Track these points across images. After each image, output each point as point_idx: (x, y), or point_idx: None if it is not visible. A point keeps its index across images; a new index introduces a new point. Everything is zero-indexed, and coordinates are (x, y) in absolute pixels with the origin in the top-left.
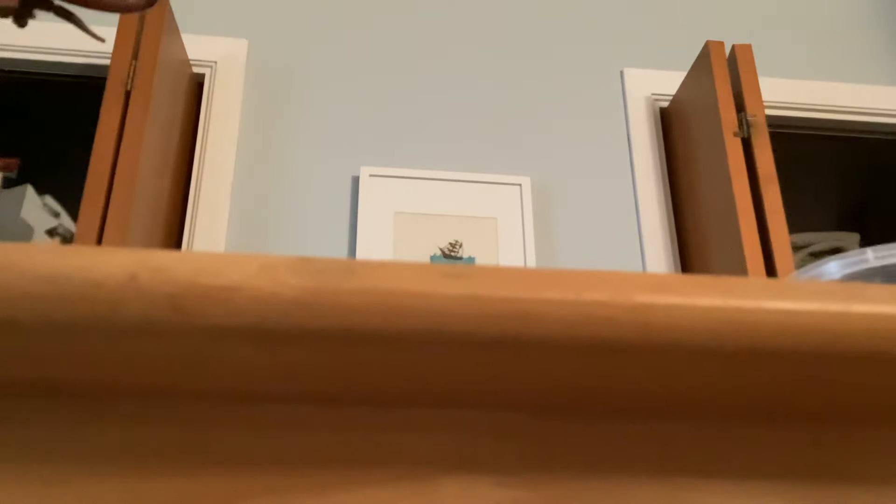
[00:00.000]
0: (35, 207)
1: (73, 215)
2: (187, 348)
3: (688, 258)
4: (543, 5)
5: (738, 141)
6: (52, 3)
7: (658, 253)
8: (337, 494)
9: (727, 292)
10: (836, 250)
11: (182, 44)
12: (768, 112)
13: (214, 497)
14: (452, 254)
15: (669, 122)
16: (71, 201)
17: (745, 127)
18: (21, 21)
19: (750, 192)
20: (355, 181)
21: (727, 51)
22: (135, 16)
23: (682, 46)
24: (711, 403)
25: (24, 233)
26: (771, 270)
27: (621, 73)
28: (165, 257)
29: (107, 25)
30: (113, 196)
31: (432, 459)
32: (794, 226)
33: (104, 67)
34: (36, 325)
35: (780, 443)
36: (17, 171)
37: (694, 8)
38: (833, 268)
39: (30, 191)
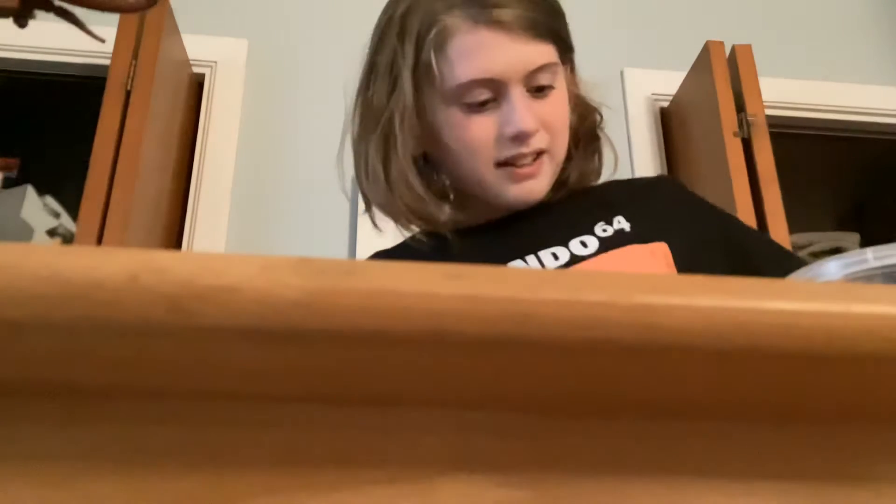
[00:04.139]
0: (35, 207)
1: (73, 215)
2: (187, 348)
3: None
4: None
5: (738, 141)
6: (52, 3)
7: None
8: (337, 494)
9: (727, 292)
10: (836, 250)
11: (182, 44)
12: (768, 112)
13: (214, 497)
14: None
15: (669, 122)
16: (71, 201)
17: (745, 127)
18: (21, 21)
19: (750, 192)
20: (355, 181)
21: (727, 51)
22: (135, 16)
23: (682, 46)
24: (711, 403)
25: (24, 233)
26: None
27: (621, 73)
28: (165, 257)
29: (107, 25)
30: (113, 196)
31: (432, 459)
32: (794, 226)
33: (104, 67)
34: (36, 325)
35: (780, 443)
36: (17, 171)
37: (694, 8)
38: (833, 268)
39: (30, 191)
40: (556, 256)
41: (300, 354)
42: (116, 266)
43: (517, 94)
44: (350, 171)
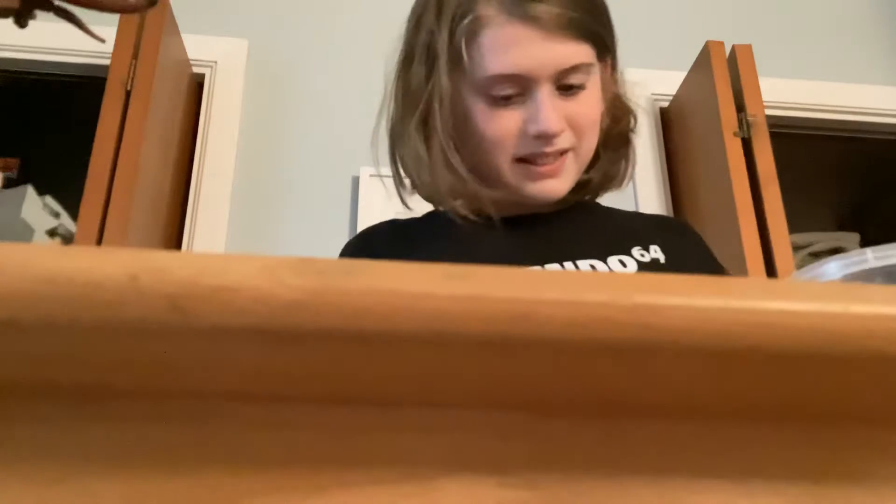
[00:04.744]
0: (35, 207)
1: (73, 215)
2: (187, 348)
3: None
4: None
5: (738, 141)
6: (52, 3)
7: None
8: (337, 494)
9: (727, 292)
10: (836, 250)
11: (182, 44)
12: (768, 112)
13: (214, 497)
14: None
15: (669, 122)
16: (71, 201)
17: (745, 127)
18: (21, 21)
19: (750, 192)
20: (355, 181)
21: (727, 51)
22: (135, 16)
23: (682, 46)
24: (711, 403)
25: (24, 233)
26: (771, 270)
27: (621, 72)
28: (165, 257)
29: (107, 25)
30: (113, 196)
31: (433, 459)
32: (794, 226)
33: (104, 67)
34: (36, 326)
35: (780, 443)
36: (17, 171)
37: (694, 8)
38: (833, 268)
39: (30, 191)
40: (594, 269)
41: (300, 354)
42: (116, 266)
43: (545, 93)
44: (351, 171)
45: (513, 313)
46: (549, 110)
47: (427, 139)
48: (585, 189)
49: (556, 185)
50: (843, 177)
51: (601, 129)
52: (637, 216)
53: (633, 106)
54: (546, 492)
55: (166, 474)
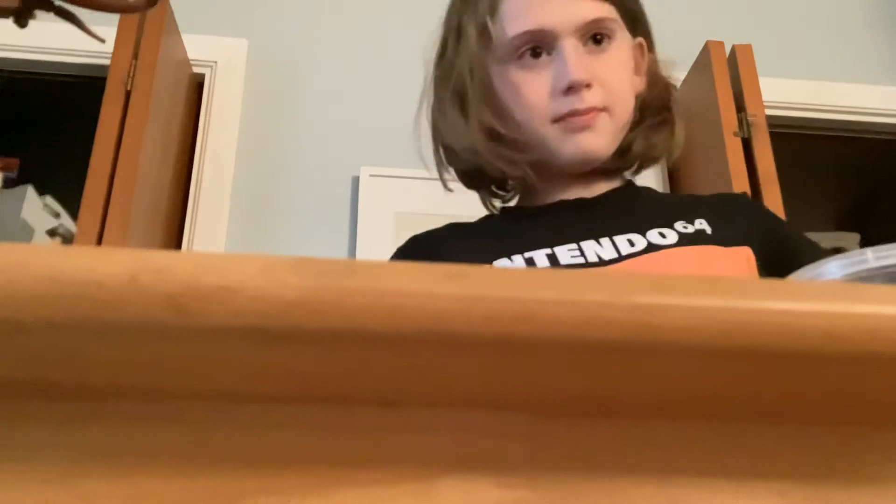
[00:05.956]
0: (35, 207)
1: (73, 215)
2: (187, 348)
3: None
4: None
5: (738, 141)
6: (52, 3)
7: None
8: (337, 494)
9: (727, 292)
10: (836, 250)
11: (182, 44)
12: (768, 112)
13: (214, 497)
14: None
15: None
16: (71, 201)
17: (745, 127)
18: (21, 21)
19: (750, 192)
20: (355, 181)
21: (727, 51)
22: (135, 16)
23: (682, 46)
24: (711, 403)
25: (24, 233)
26: None
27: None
28: (166, 257)
29: (107, 25)
30: (113, 196)
31: (433, 459)
32: (794, 226)
33: (104, 67)
34: (36, 326)
35: (780, 443)
36: (17, 171)
37: (694, 8)
38: (833, 268)
39: (30, 191)
40: (631, 243)
41: (300, 354)
42: (116, 266)
43: (569, 46)
44: (351, 171)
45: (513, 313)
46: (575, 60)
47: (462, 109)
48: (628, 157)
49: (594, 139)
50: (843, 177)
51: (638, 97)
52: (690, 196)
53: (670, 80)
54: (546, 492)
55: (165, 474)
